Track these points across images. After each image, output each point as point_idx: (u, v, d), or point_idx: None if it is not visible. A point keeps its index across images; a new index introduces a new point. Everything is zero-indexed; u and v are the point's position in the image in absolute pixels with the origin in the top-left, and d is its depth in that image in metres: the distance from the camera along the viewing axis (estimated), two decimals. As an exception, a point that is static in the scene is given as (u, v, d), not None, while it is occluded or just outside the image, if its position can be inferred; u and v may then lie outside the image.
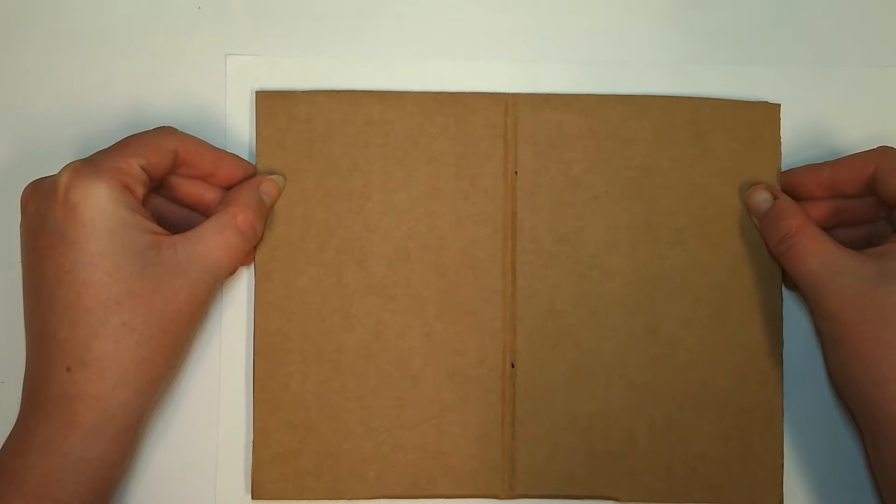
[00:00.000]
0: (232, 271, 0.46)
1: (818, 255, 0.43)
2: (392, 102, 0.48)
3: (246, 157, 0.48)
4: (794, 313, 0.48)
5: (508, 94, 0.48)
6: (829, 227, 0.47)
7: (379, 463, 0.46)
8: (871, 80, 0.49)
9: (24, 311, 0.43)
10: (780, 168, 0.48)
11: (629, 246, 0.47)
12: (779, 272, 0.47)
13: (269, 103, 0.48)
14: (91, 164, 0.42)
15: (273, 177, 0.46)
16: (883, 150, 0.45)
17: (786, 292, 0.47)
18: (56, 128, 0.48)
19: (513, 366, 0.47)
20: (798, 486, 0.47)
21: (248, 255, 0.46)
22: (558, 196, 0.47)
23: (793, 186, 0.47)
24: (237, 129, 0.48)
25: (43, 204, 0.42)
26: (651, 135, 0.47)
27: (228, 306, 0.48)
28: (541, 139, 0.48)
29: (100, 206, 0.41)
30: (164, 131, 0.45)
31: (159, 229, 0.43)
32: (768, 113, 0.48)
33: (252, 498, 0.46)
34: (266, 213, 0.46)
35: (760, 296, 0.47)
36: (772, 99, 0.48)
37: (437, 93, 0.48)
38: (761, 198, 0.46)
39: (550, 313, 0.47)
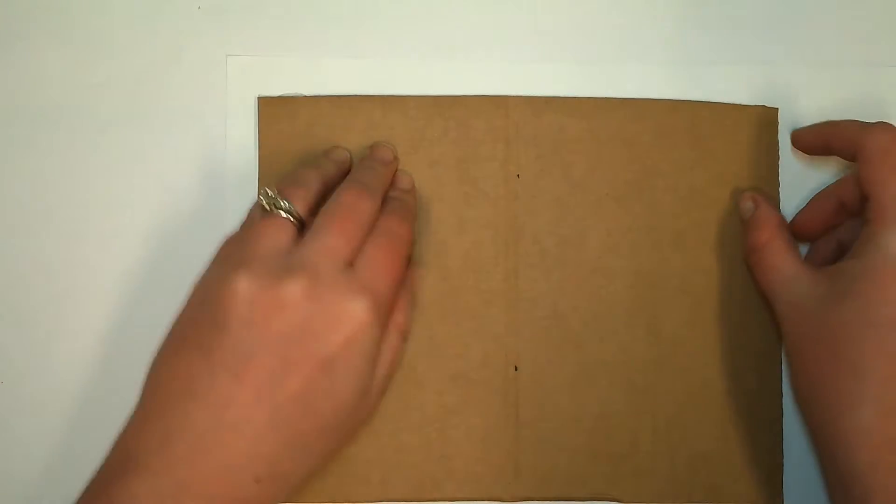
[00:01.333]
0: None
1: (779, 271, 0.44)
2: (393, 106, 0.48)
3: (247, 161, 0.48)
4: (792, 313, 0.48)
5: (510, 96, 0.48)
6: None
7: (383, 466, 0.46)
8: (871, 80, 0.49)
9: (204, 389, 0.39)
10: (779, 171, 0.48)
11: (630, 248, 0.47)
12: (778, 273, 0.48)
13: (271, 109, 0.48)
14: (388, 311, 0.42)
15: (420, 269, 0.47)
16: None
17: (785, 293, 0.48)
18: (55, 128, 0.48)
19: (516, 368, 0.47)
20: (797, 486, 0.47)
21: None
22: (560, 199, 0.48)
23: (801, 232, 0.47)
24: (237, 130, 0.48)
25: (320, 317, 0.39)
26: (652, 138, 0.48)
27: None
28: (542, 142, 0.48)
29: (370, 350, 0.41)
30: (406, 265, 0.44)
31: None
32: (767, 116, 0.48)
33: (258, 499, 0.47)
34: (415, 299, 0.47)
35: (760, 297, 0.47)
36: (771, 100, 0.49)
37: (438, 96, 0.48)
38: (744, 207, 0.47)
39: (553, 316, 0.47)
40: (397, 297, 0.44)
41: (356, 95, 0.48)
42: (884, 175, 0.42)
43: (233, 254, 0.42)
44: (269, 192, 0.42)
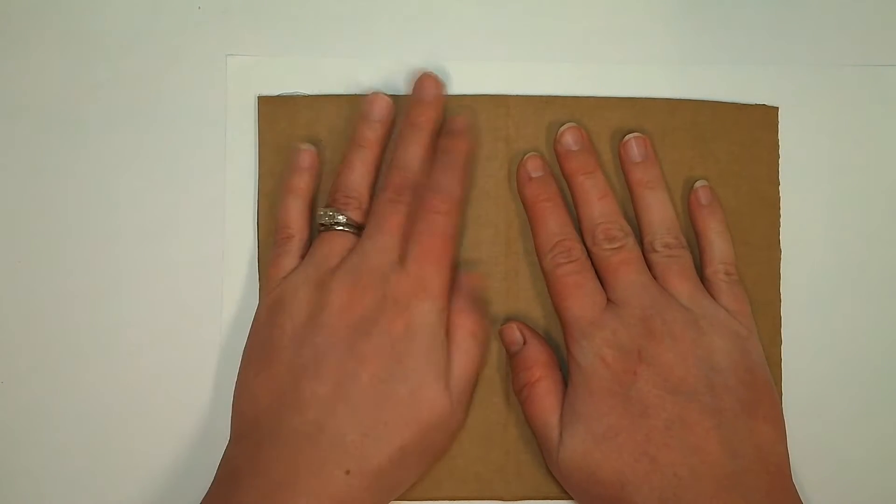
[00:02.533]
0: None
1: (542, 415, 0.44)
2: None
3: (247, 160, 0.48)
4: (792, 313, 0.48)
5: (510, 95, 0.48)
6: None
7: (384, 465, 0.46)
8: (871, 80, 0.49)
9: (283, 390, 0.42)
10: (779, 171, 0.48)
11: (630, 248, 0.47)
12: (777, 273, 0.48)
13: (271, 108, 0.48)
14: (441, 295, 0.43)
15: (475, 273, 0.47)
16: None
17: (785, 292, 0.48)
18: (56, 128, 0.48)
19: (516, 368, 0.47)
20: (799, 485, 0.47)
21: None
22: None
23: None
24: (237, 130, 0.48)
25: (380, 309, 0.42)
26: (652, 137, 0.48)
27: (233, 307, 0.48)
28: (542, 141, 0.48)
29: (434, 331, 0.43)
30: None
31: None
32: (767, 116, 0.48)
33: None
34: (483, 305, 0.47)
35: (759, 296, 0.47)
36: (771, 100, 0.49)
37: (438, 95, 0.48)
38: (513, 338, 0.46)
39: (552, 315, 0.47)
40: (459, 302, 0.45)
41: (356, 95, 0.48)
42: (561, 300, 0.45)
43: (296, 270, 0.45)
44: (328, 211, 0.45)
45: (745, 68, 0.49)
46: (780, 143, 0.48)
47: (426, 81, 0.47)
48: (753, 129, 0.48)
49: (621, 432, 0.41)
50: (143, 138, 0.48)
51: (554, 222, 0.46)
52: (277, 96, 0.48)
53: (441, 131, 0.47)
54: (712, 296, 0.45)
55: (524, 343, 0.46)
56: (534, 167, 0.47)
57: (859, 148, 0.49)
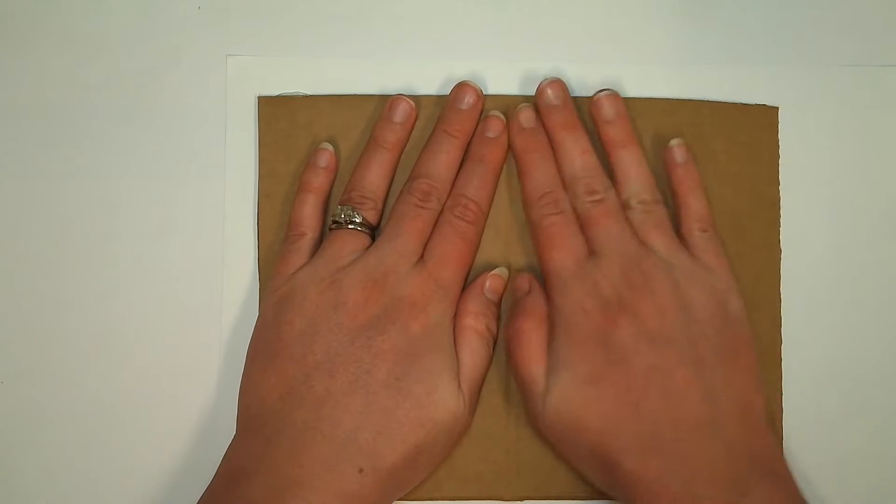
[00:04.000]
0: None
1: (528, 365, 0.44)
2: (394, 106, 0.48)
3: (247, 160, 0.48)
4: (792, 312, 0.48)
5: (510, 96, 0.48)
6: None
7: (384, 465, 0.46)
8: (871, 80, 0.49)
9: (299, 385, 0.42)
10: (779, 170, 0.48)
11: (630, 248, 0.47)
12: (777, 272, 0.48)
13: (271, 109, 0.48)
14: (455, 299, 0.44)
15: (496, 272, 0.46)
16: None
17: (785, 292, 0.48)
18: (55, 128, 0.48)
19: (516, 368, 0.47)
20: (797, 484, 0.47)
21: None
22: (560, 198, 0.47)
23: None
24: (237, 130, 0.48)
25: (396, 309, 0.42)
26: (651, 137, 0.48)
27: (233, 308, 0.48)
28: (542, 142, 0.48)
29: (448, 335, 0.43)
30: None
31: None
32: (767, 116, 0.48)
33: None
34: (497, 310, 0.46)
35: (759, 295, 0.47)
36: (771, 100, 0.49)
37: (439, 96, 0.48)
38: (522, 286, 0.46)
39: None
40: (472, 303, 0.45)
41: (356, 95, 0.48)
42: (546, 250, 0.45)
43: (305, 267, 0.45)
44: (344, 209, 0.45)
45: (745, 68, 0.49)
46: (780, 143, 0.48)
47: (464, 90, 0.47)
48: (753, 129, 0.48)
49: (603, 379, 0.41)
50: (143, 138, 0.48)
51: (542, 174, 0.46)
52: (277, 96, 0.48)
53: (476, 132, 0.47)
54: (690, 252, 0.45)
55: (528, 292, 0.46)
56: (526, 118, 0.46)
57: (859, 148, 0.49)
